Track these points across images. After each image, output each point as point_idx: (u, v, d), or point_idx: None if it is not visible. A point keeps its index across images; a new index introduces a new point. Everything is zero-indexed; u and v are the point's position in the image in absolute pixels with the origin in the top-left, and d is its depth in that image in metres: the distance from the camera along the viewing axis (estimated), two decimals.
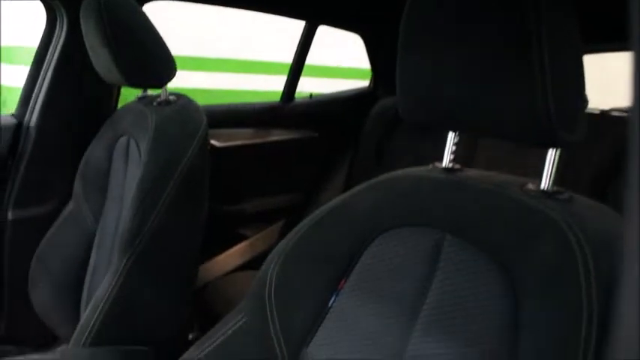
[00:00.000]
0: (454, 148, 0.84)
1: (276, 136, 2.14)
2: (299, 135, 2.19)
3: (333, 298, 0.83)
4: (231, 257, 2.11)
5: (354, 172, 2.25)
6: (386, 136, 2.11)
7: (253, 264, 2.08)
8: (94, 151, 1.56)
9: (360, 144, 2.17)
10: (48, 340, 1.67)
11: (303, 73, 2.27)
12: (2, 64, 2.45)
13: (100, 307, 1.19)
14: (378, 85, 2.51)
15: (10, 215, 1.71)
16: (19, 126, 1.72)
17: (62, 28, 1.64)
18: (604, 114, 1.68)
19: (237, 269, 2.12)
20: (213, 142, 1.76)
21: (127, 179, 1.42)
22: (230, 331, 0.88)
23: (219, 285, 2.02)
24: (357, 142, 2.19)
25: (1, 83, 2.44)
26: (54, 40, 1.66)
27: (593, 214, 0.69)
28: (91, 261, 1.49)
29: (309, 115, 2.29)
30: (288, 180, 2.20)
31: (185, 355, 0.91)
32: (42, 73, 1.69)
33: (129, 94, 1.71)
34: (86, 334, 1.19)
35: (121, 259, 1.22)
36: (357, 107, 2.32)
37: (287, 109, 2.22)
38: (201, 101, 1.49)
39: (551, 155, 0.73)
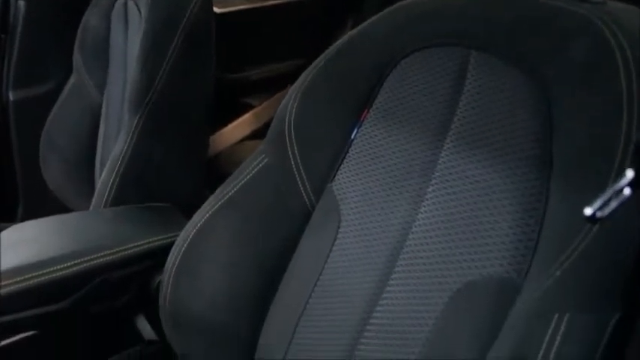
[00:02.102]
0: None
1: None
2: None
3: (355, 130, 0.82)
4: (238, 128, 2.08)
5: None
6: None
7: (261, 134, 2.06)
8: (90, 20, 1.50)
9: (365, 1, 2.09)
10: None
11: None
12: None
13: (116, 168, 1.18)
14: None
15: (11, 96, 1.67)
16: (5, 1, 1.65)
17: None
18: None
19: (245, 139, 2.10)
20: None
21: (129, 44, 1.37)
22: (252, 173, 0.87)
23: (228, 154, 2.01)
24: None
25: None
26: None
27: (629, 13, 0.66)
28: (100, 133, 1.47)
29: None
30: (292, 45, 2.13)
31: (206, 203, 0.91)
32: None
33: None
34: (105, 196, 1.18)
35: (132, 119, 1.19)
36: None
37: None
38: None
39: None
